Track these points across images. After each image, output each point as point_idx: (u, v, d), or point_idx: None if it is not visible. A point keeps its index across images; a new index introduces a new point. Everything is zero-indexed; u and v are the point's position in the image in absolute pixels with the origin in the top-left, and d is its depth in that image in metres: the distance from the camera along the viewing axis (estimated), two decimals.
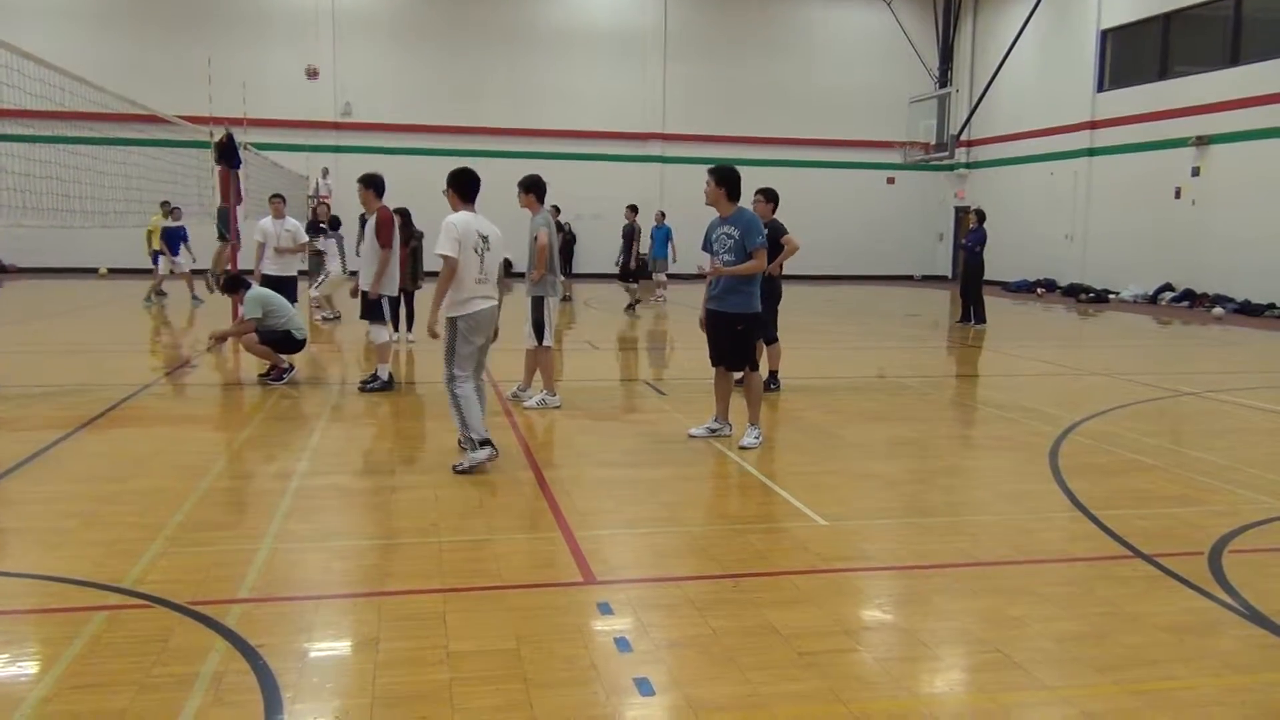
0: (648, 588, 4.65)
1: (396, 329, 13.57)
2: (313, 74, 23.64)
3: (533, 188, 8.88)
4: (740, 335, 7.58)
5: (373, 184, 9.57)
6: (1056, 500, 6.27)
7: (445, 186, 6.99)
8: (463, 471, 6.58)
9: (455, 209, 6.91)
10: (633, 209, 20.16)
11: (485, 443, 6.71)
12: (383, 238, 9.54)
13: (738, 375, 7.75)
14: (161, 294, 18.73)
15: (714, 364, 7.84)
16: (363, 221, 9.91)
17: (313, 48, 28.24)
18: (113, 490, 6.06)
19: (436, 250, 6.67)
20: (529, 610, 4.29)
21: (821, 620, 4.26)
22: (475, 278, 6.76)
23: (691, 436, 7.82)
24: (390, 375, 9.81)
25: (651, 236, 21.33)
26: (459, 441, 7.06)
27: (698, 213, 31.60)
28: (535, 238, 8.77)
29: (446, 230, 6.69)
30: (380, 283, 9.67)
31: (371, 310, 9.82)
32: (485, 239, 6.84)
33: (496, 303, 7.00)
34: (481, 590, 4.54)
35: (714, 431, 7.85)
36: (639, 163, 30.61)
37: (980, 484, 6.92)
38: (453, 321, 6.77)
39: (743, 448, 7.46)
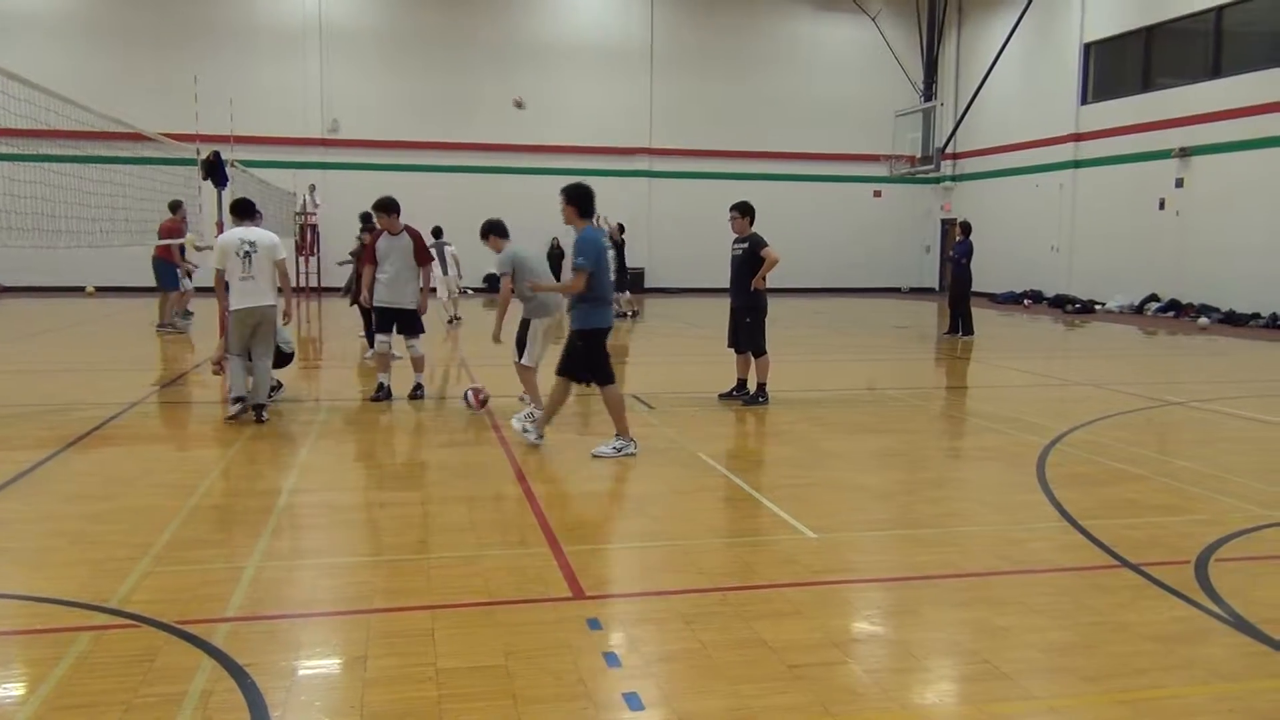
0: (637, 602, 4.65)
1: (372, 345, 13.66)
2: (519, 104, 22.80)
3: (493, 230, 9.26)
4: (578, 350, 7.68)
5: (394, 208, 9.93)
6: (1044, 511, 6.29)
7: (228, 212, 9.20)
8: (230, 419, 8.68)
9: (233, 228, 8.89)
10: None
11: (238, 400, 8.71)
12: (422, 255, 9.93)
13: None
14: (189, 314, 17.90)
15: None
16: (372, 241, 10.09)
17: (300, 64, 28.30)
18: (100, 509, 6.03)
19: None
20: (518, 626, 4.28)
21: (811, 633, 4.26)
22: (239, 277, 8.54)
23: (595, 456, 7.59)
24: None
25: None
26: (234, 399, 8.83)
27: (685, 227, 31.85)
28: (502, 274, 8.76)
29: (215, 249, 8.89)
30: (424, 297, 10.08)
31: (415, 324, 10.03)
32: (252, 244, 8.61)
33: (266, 301, 8.67)
34: (470, 607, 4.53)
35: (620, 450, 7.65)
36: (627, 177, 30.69)
37: (968, 495, 6.94)
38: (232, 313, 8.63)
39: (594, 455, 7.57)
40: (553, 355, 8.32)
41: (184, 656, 3.93)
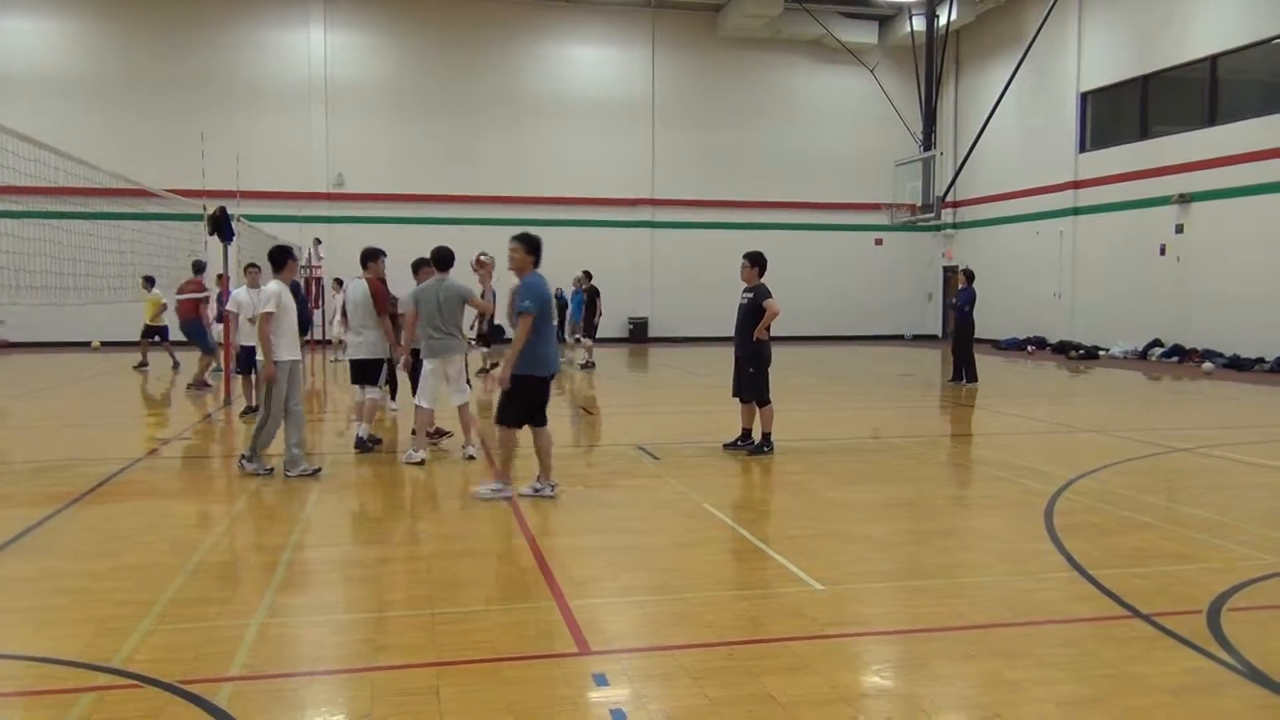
0: (644, 657, 4.60)
1: (394, 396, 13.67)
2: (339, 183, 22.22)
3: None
4: (508, 393, 7.83)
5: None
6: (1053, 560, 6.24)
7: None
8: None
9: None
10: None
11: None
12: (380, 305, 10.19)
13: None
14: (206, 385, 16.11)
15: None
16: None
17: (305, 120, 28.66)
18: (103, 567, 6.01)
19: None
20: (524, 683, 4.24)
21: (819, 687, 4.21)
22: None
23: (479, 497, 7.96)
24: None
25: (570, 299, 21.16)
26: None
27: (687, 277, 31.92)
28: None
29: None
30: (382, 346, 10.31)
31: (375, 374, 10.29)
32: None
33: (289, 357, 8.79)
34: (475, 663, 4.49)
35: (497, 493, 7.91)
36: (630, 228, 30.94)
37: (976, 544, 6.89)
38: None
39: (476, 495, 7.94)
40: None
41: (187, 717, 3.89)
